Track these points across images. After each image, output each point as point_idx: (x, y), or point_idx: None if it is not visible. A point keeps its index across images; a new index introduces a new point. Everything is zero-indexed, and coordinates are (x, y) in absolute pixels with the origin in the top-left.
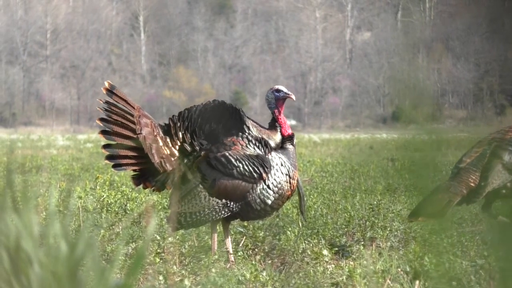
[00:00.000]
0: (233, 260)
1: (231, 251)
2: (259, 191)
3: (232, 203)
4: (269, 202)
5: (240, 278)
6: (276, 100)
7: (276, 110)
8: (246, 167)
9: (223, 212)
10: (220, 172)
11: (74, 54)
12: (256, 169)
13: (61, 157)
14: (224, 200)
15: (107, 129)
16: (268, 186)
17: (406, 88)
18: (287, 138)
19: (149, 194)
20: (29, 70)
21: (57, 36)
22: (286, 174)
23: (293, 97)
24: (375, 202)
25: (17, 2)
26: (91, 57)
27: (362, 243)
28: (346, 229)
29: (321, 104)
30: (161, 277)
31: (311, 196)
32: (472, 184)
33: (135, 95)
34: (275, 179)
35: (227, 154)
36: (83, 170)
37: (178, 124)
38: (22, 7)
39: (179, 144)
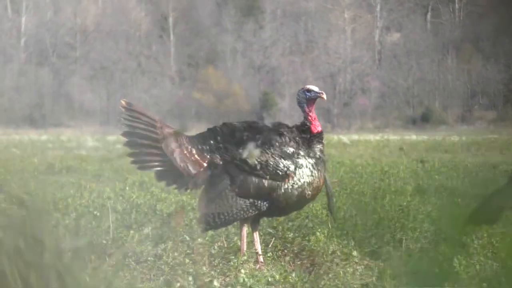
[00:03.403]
0: (262, 261)
1: (260, 252)
2: (283, 190)
3: (259, 202)
4: (291, 202)
5: (269, 279)
6: (307, 100)
7: (306, 108)
8: (271, 168)
9: (250, 211)
10: (247, 173)
11: (103, 55)
12: (281, 169)
13: (90, 158)
14: (251, 200)
15: (131, 140)
16: (291, 186)
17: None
18: (316, 136)
19: (179, 195)
20: (59, 72)
21: (86, 37)
22: (310, 175)
23: (324, 96)
24: (404, 203)
25: (47, 3)
26: (120, 59)
27: (392, 244)
28: (375, 230)
29: (350, 105)
30: (190, 278)
31: (341, 197)
32: None
33: (164, 96)
34: (299, 179)
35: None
36: (112, 171)
37: (200, 146)
38: (51, 8)
39: (207, 160)
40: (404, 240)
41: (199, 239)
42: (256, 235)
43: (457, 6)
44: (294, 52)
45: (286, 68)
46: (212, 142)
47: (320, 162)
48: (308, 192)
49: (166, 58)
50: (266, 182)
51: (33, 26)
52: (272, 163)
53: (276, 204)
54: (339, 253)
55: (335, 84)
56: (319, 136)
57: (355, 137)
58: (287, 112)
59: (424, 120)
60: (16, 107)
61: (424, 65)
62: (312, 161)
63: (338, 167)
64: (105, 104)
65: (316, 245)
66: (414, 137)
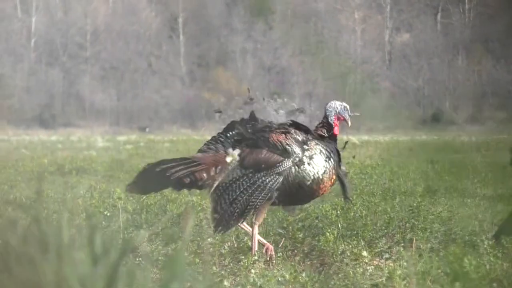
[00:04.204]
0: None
1: (262, 240)
2: (295, 173)
3: (262, 177)
4: (304, 186)
5: (279, 279)
6: (338, 113)
7: (334, 119)
8: (272, 141)
9: (262, 196)
10: (250, 140)
11: (113, 55)
12: (281, 143)
13: (100, 158)
14: (250, 171)
15: None
16: (304, 170)
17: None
18: (331, 137)
19: (189, 195)
20: (69, 72)
21: (96, 37)
22: (323, 167)
23: (350, 123)
24: (415, 204)
25: (56, 3)
26: (130, 59)
27: (402, 244)
28: (385, 231)
29: (360, 105)
30: (200, 278)
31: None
32: None
33: (175, 96)
34: (313, 167)
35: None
36: (122, 171)
37: (213, 146)
38: (61, 8)
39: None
40: (414, 241)
41: (209, 239)
42: (256, 229)
43: (467, 6)
44: (304, 53)
45: (296, 68)
46: (222, 139)
47: (332, 159)
48: (322, 178)
49: (176, 58)
50: (265, 151)
51: (43, 26)
52: (274, 136)
53: (287, 190)
54: (349, 253)
55: (345, 85)
56: (333, 138)
57: (365, 137)
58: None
59: (434, 120)
60: (26, 107)
61: (434, 66)
62: (326, 149)
63: (348, 168)
64: (115, 104)
65: (326, 245)
66: (424, 137)
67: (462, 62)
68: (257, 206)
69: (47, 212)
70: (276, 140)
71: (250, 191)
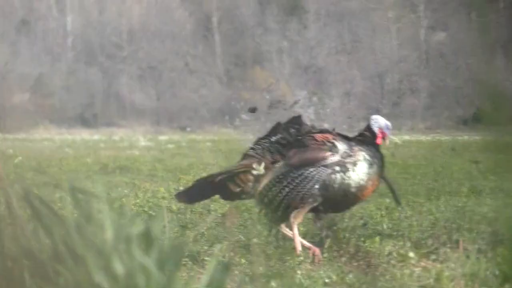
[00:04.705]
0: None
1: (308, 245)
2: (340, 180)
3: (308, 169)
4: (348, 193)
5: (326, 280)
6: (381, 129)
7: (379, 130)
8: (319, 139)
9: (309, 199)
10: (296, 142)
11: (150, 55)
12: (328, 139)
13: (143, 157)
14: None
15: None
16: (350, 177)
17: (487, 89)
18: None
19: None
20: (107, 71)
21: (132, 37)
22: (368, 167)
23: (388, 142)
24: (460, 204)
25: (91, 3)
26: (167, 58)
27: (449, 245)
28: (431, 232)
29: (400, 105)
30: (246, 279)
31: None
32: None
33: (213, 96)
34: (358, 173)
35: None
36: (165, 171)
37: (260, 151)
38: (96, 8)
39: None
40: (461, 242)
41: (254, 240)
42: (295, 229)
43: (501, 5)
44: (340, 52)
45: (332, 68)
46: (268, 144)
47: (375, 165)
48: (364, 190)
49: (212, 57)
50: (311, 149)
51: (79, 25)
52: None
53: (332, 197)
54: (395, 255)
55: (383, 84)
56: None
57: (406, 137)
58: (336, 112)
59: (475, 120)
60: (68, 106)
61: (472, 65)
62: (369, 157)
63: (391, 168)
64: (155, 104)
65: (371, 246)
66: (466, 137)
67: (500, 60)
68: (304, 197)
69: (94, 211)
70: (323, 137)
71: (297, 181)
